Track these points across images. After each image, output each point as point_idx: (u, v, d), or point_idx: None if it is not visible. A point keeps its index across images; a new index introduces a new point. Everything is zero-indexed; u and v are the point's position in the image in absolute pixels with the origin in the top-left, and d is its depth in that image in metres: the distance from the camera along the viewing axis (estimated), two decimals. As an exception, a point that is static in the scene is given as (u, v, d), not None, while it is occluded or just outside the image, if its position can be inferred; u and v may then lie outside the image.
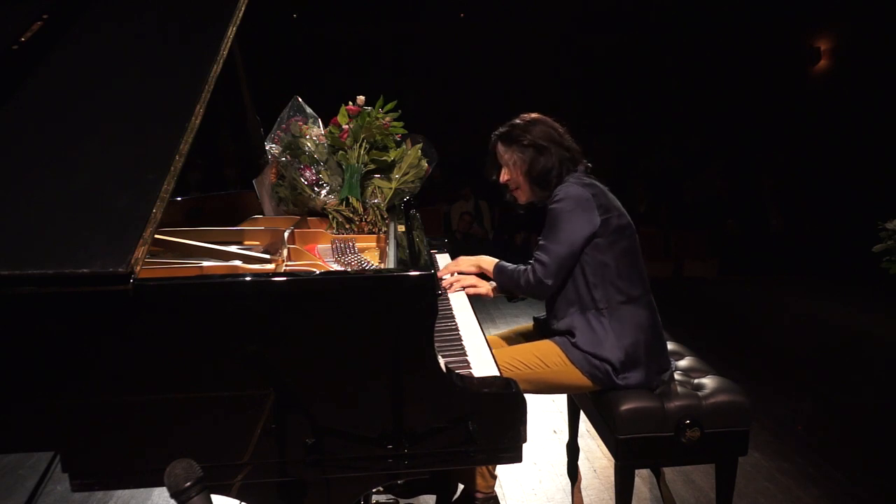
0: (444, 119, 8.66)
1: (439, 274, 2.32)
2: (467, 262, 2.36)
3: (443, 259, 2.84)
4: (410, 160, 2.46)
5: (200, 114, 1.50)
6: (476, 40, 9.33)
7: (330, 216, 2.37)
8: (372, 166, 2.40)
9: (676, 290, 6.72)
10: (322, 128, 2.51)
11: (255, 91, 2.46)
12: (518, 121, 2.20)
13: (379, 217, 2.37)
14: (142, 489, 2.77)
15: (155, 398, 1.33)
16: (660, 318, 2.14)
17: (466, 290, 2.27)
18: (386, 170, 2.44)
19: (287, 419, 1.35)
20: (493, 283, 2.32)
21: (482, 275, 2.35)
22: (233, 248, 1.88)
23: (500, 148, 2.20)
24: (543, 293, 2.13)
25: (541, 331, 2.32)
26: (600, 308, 2.05)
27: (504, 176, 2.22)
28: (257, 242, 2.13)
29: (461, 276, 2.32)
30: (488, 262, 2.30)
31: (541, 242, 2.10)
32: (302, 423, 1.35)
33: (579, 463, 2.74)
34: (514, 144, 2.16)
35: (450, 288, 2.27)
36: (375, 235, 2.34)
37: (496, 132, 2.22)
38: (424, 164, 2.51)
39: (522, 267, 2.18)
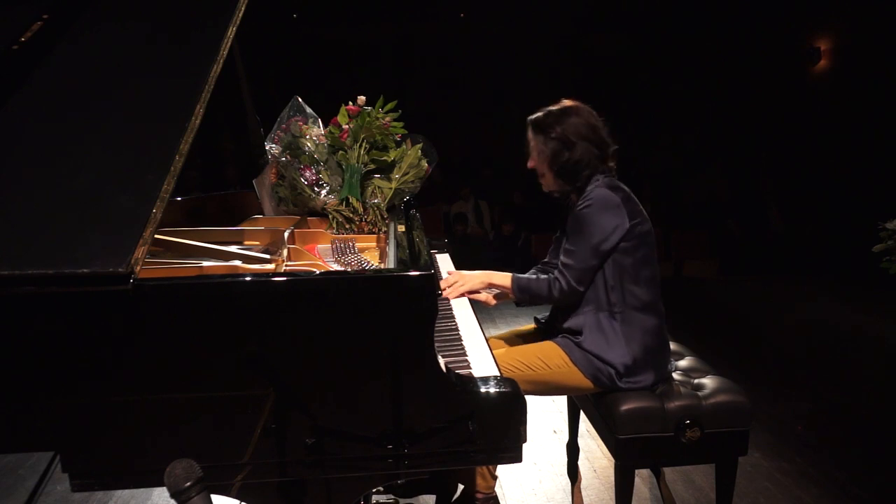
0: (444, 119, 8.65)
1: (442, 285, 2.24)
2: (475, 280, 2.19)
3: (443, 259, 2.83)
4: (410, 160, 2.46)
5: (200, 114, 1.50)
6: (476, 40, 9.33)
7: (330, 216, 2.37)
8: (372, 166, 2.40)
9: (676, 290, 6.71)
10: (322, 128, 2.51)
11: (255, 91, 2.46)
12: (554, 108, 2.12)
13: (379, 217, 2.37)
14: (142, 489, 2.77)
15: (155, 398, 1.33)
16: (666, 326, 2.14)
17: (465, 294, 2.25)
18: (386, 170, 2.44)
19: (287, 419, 1.35)
20: (495, 291, 2.29)
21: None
22: (233, 248, 1.89)
23: (530, 134, 2.15)
24: (574, 299, 2.08)
25: (542, 331, 2.32)
26: (615, 311, 2.03)
27: (531, 162, 2.18)
28: (257, 242, 2.13)
29: (456, 280, 2.26)
30: (501, 277, 2.18)
31: (568, 248, 2.05)
32: (302, 423, 1.35)
33: (579, 463, 2.74)
34: (542, 134, 2.11)
35: (446, 292, 2.22)
36: (375, 235, 2.34)
37: (531, 117, 2.16)
38: (424, 164, 2.50)
39: (544, 276, 2.11)
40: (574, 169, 2.08)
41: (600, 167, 2.10)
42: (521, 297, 2.16)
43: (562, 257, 2.07)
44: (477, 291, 2.22)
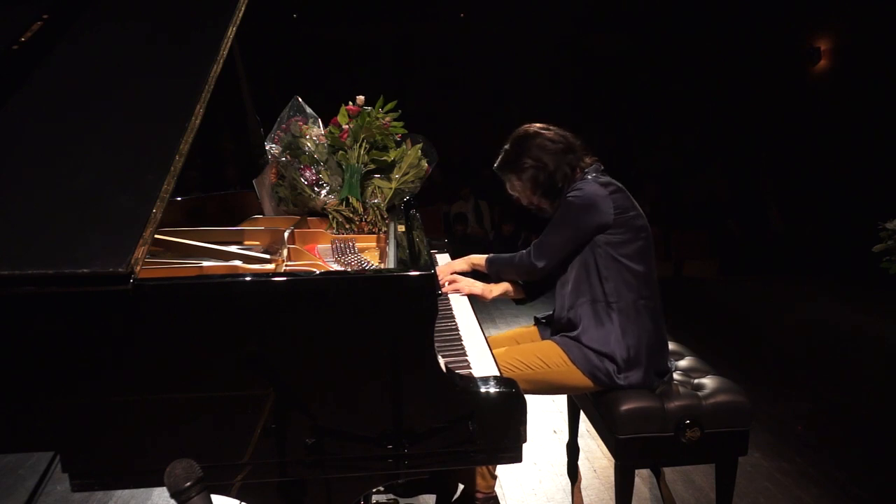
0: (444, 119, 8.66)
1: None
2: (459, 262, 2.40)
3: (443, 259, 2.84)
4: (410, 160, 2.46)
5: (200, 114, 1.50)
6: (476, 40, 9.34)
7: (330, 216, 2.37)
8: (372, 166, 2.40)
9: (676, 290, 6.72)
10: (322, 128, 2.51)
11: (255, 91, 2.46)
12: (508, 146, 2.22)
13: (379, 217, 2.37)
14: (142, 489, 2.77)
15: (155, 398, 1.33)
16: (664, 323, 2.14)
17: (462, 291, 2.28)
18: (386, 170, 2.44)
19: (287, 419, 1.35)
20: (491, 287, 2.32)
21: (477, 275, 2.34)
22: (233, 248, 1.88)
23: (504, 178, 2.25)
24: (533, 274, 2.19)
25: (542, 331, 2.32)
26: (610, 302, 2.05)
27: (522, 201, 2.26)
28: (257, 242, 2.13)
29: (455, 278, 2.33)
30: (479, 259, 2.37)
31: (547, 228, 2.13)
32: (302, 423, 1.35)
33: (579, 463, 2.74)
34: (513, 173, 2.20)
35: (444, 288, 2.28)
36: (375, 235, 2.34)
37: (494, 166, 2.26)
38: (424, 164, 2.50)
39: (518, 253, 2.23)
40: (556, 182, 2.14)
41: (580, 165, 2.16)
42: (489, 269, 2.32)
43: (541, 235, 2.16)
44: (470, 286, 2.32)
